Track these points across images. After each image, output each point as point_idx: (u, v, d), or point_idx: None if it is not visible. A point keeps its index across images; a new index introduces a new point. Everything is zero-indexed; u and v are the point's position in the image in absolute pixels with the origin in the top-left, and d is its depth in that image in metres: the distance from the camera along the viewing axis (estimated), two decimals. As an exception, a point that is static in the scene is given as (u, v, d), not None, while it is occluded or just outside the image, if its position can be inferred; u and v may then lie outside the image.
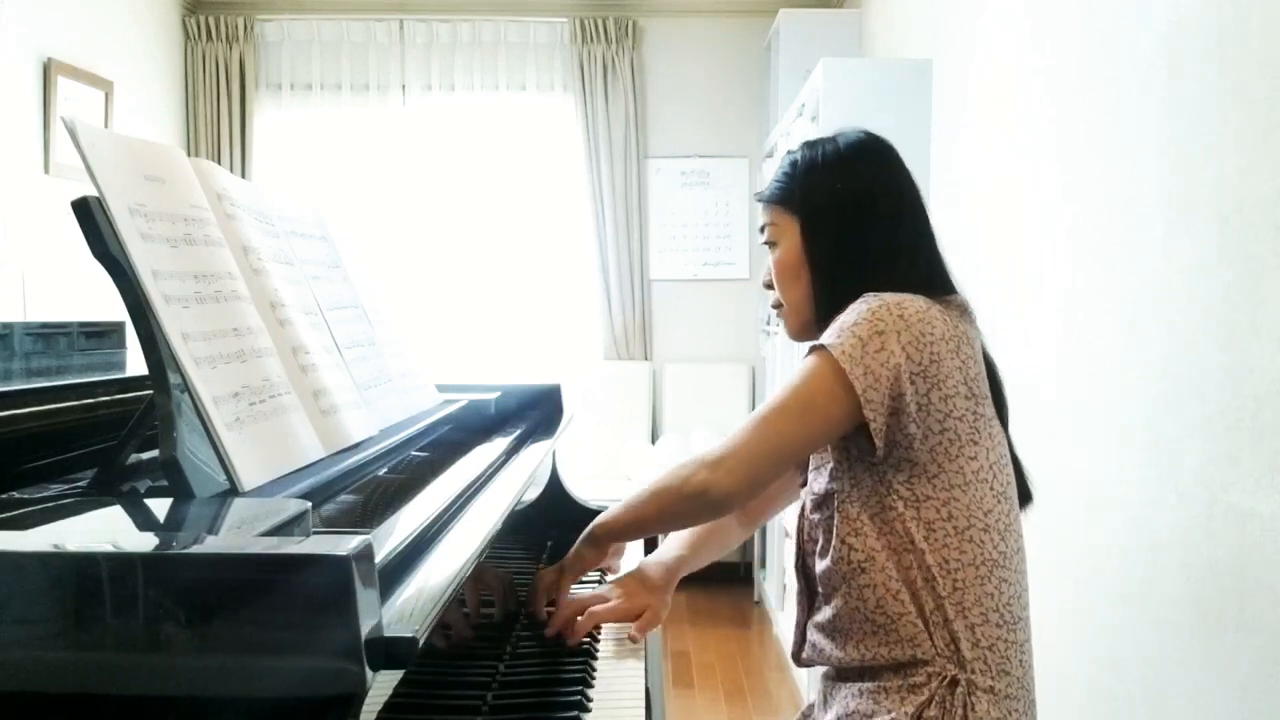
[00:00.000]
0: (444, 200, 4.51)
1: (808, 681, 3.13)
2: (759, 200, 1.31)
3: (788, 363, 3.59)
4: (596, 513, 1.75)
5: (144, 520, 0.80)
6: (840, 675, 1.20)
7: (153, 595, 0.63)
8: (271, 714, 0.63)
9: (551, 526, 1.68)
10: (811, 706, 1.33)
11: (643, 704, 1.11)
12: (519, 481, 1.24)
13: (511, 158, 4.53)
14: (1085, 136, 1.95)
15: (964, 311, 1.21)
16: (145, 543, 0.73)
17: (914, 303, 1.12)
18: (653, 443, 4.50)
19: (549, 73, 4.49)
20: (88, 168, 0.84)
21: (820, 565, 1.21)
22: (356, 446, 1.07)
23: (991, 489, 1.14)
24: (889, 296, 1.13)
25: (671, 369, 4.58)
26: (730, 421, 4.48)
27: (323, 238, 1.32)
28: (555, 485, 1.72)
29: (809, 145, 1.27)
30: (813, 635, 1.23)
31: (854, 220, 1.21)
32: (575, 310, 4.57)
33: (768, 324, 4.10)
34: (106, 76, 3.73)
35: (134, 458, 0.94)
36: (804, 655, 1.26)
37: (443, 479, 1.13)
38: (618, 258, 4.46)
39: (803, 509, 1.29)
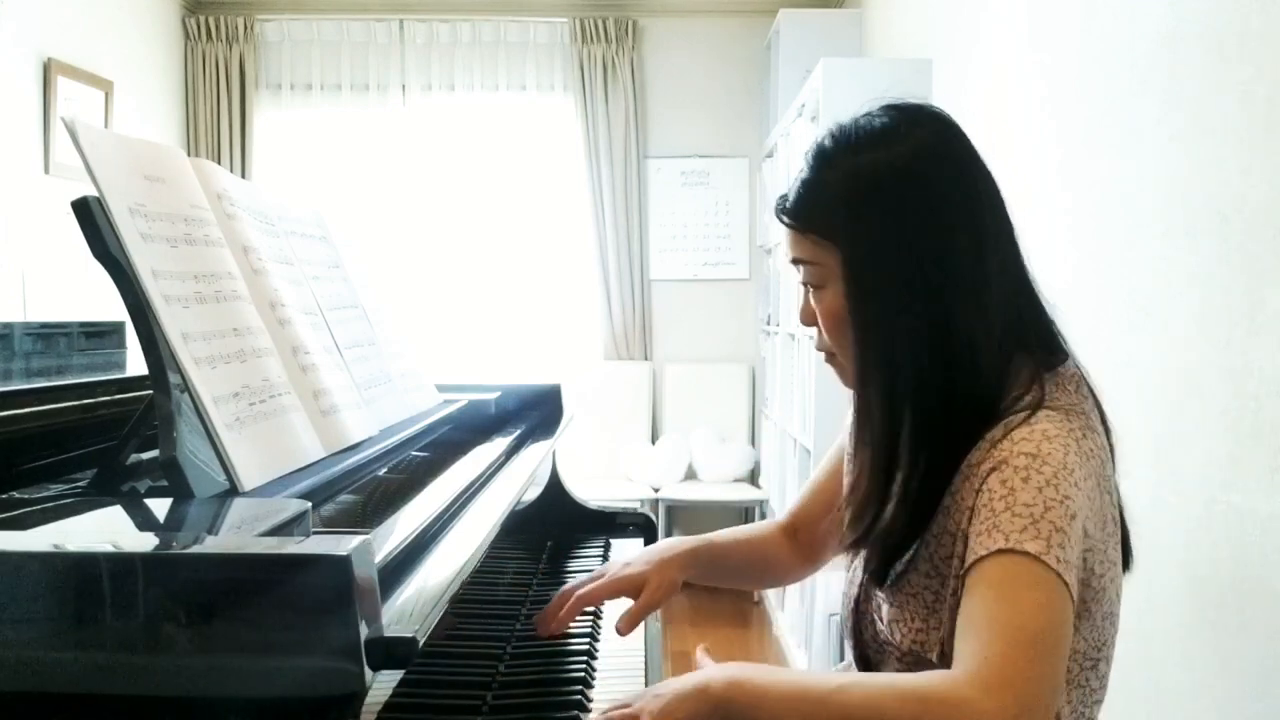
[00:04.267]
0: (444, 200, 4.51)
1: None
2: (783, 220, 1.01)
3: (788, 363, 3.59)
4: (596, 513, 1.76)
5: (144, 520, 0.80)
6: None
7: (153, 595, 0.63)
8: (271, 714, 0.63)
9: (551, 526, 1.67)
10: None
11: (643, 704, 1.11)
12: (519, 481, 1.24)
13: (511, 158, 4.52)
14: (1085, 137, 1.95)
15: (1084, 392, 0.97)
16: (145, 543, 0.73)
17: (1075, 457, 0.89)
18: (653, 443, 4.50)
19: (549, 73, 4.49)
20: (88, 168, 0.84)
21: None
22: (356, 446, 1.07)
23: (1111, 620, 0.97)
24: (1050, 456, 0.87)
25: (671, 369, 4.58)
26: (730, 421, 4.49)
27: (323, 238, 1.32)
28: (555, 485, 1.72)
29: (843, 140, 0.97)
30: None
31: (923, 256, 0.92)
32: (575, 310, 4.57)
33: (767, 324, 4.09)
34: (106, 76, 3.73)
35: (134, 458, 0.94)
36: None
37: (443, 479, 1.13)
38: (618, 258, 4.46)
39: (866, 583, 1.05)
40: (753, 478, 4.39)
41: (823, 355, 1.05)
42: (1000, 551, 0.84)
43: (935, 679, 0.81)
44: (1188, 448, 1.57)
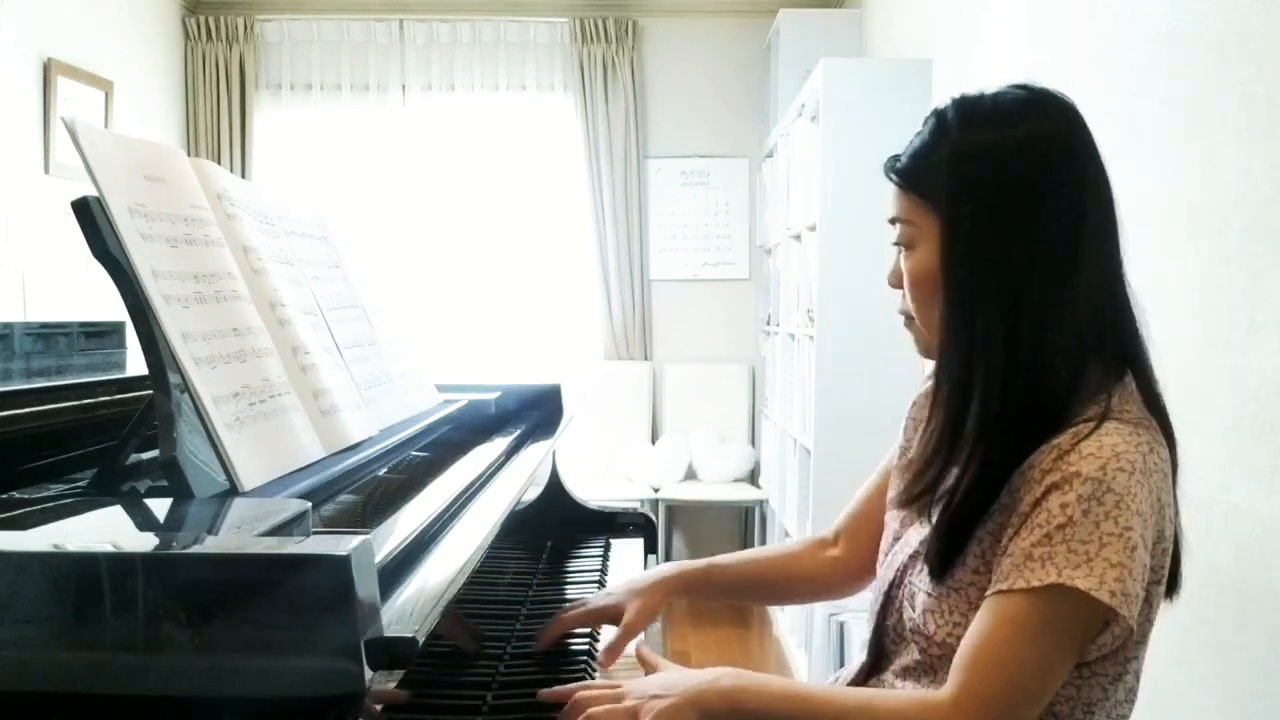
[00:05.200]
0: (444, 200, 4.51)
1: (808, 682, 3.13)
2: (891, 178, 1.01)
3: (788, 363, 3.59)
4: (597, 513, 1.76)
5: (144, 520, 0.81)
6: None
7: (153, 595, 0.63)
8: (271, 714, 0.63)
9: (551, 526, 1.68)
10: None
11: (643, 704, 1.11)
12: (519, 481, 1.24)
13: (511, 158, 4.52)
14: (1085, 136, 1.95)
15: (1147, 410, 0.97)
16: (145, 543, 0.73)
17: (1139, 479, 0.89)
18: (653, 443, 4.50)
19: (549, 73, 4.49)
20: (88, 168, 0.84)
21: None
22: (356, 446, 1.07)
23: (1145, 632, 0.97)
24: (1115, 482, 0.87)
25: (671, 369, 4.58)
26: (730, 421, 4.48)
27: (323, 238, 1.32)
28: (555, 485, 1.72)
29: (962, 107, 0.97)
30: None
31: (1015, 238, 0.92)
32: (575, 310, 4.57)
33: (767, 324, 4.10)
34: (106, 76, 3.73)
35: (134, 458, 0.94)
36: None
37: (443, 479, 1.13)
38: (618, 258, 4.46)
39: (904, 569, 1.05)
40: (753, 478, 4.39)
41: (902, 320, 1.06)
42: (1049, 587, 0.86)
43: (920, 709, 0.88)
44: (1187, 448, 1.57)
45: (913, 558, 1.04)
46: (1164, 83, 1.66)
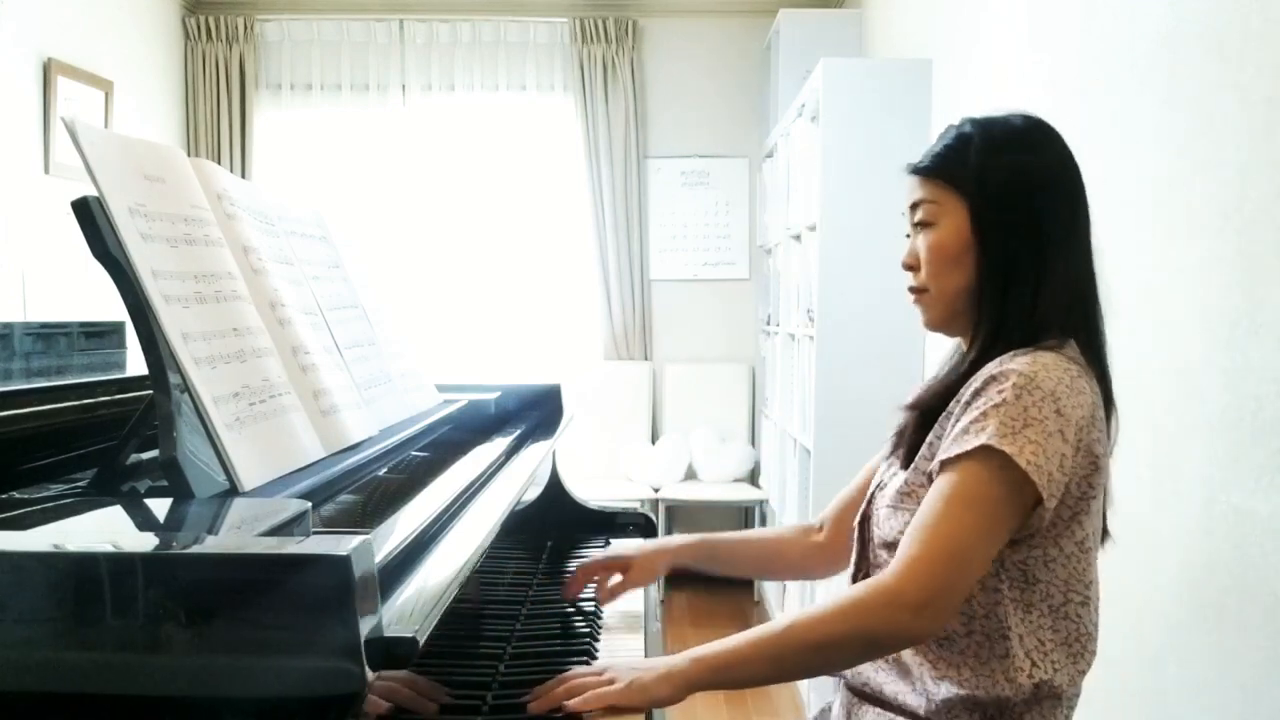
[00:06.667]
0: (444, 200, 4.51)
1: (808, 682, 3.13)
2: (914, 172, 1.18)
3: (788, 363, 3.59)
4: (597, 513, 1.76)
5: (144, 520, 0.81)
6: (868, 698, 1.15)
7: (153, 595, 0.63)
8: (271, 714, 0.63)
9: (551, 527, 1.68)
10: (825, 711, 1.28)
11: (643, 704, 1.11)
12: (519, 481, 1.24)
13: (511, 158, 4.52)
14: (1085, 137, 1.95)
15: (1089, 372, 1.12)
16: (145, 543, 0.73)
17: (1065, 389, 1.03)
18: (653, 443, 4.50)
19: (549, 73, 4.49)
20: (88, 168, 0.84)
21: None
22: (356, 446, 1.07)
23: (1085, 556, 1.08)
24: (1043, 382, 1.03)
25: (671, 369, 4.58)
26: (730, 421, 4.49)
27: (323, 238, 1.32)
28: (555, 485, 1.72)
29: (980, 123, 1.16)
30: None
31: (1035, 213, 1.11)
32: (575, 310, 4.57)
33: (767, 324, 4.09)
34: (106, 76, 3.73)
35: (134, 458, 0.94)
36: None
37: (443, 479, 1.13)
38: (618, 258, 4.46)
39: (872, 499, 1.21)
40: (753, 478, 4.39)
41: (912, 297, 1.20)
42: (980, 449, 1.00)
43: (864, 587, 1.00)
44: (1188, 448, 1.57)
45: (879, 488, 1.19)
46: (1164, 83, 1.66)
